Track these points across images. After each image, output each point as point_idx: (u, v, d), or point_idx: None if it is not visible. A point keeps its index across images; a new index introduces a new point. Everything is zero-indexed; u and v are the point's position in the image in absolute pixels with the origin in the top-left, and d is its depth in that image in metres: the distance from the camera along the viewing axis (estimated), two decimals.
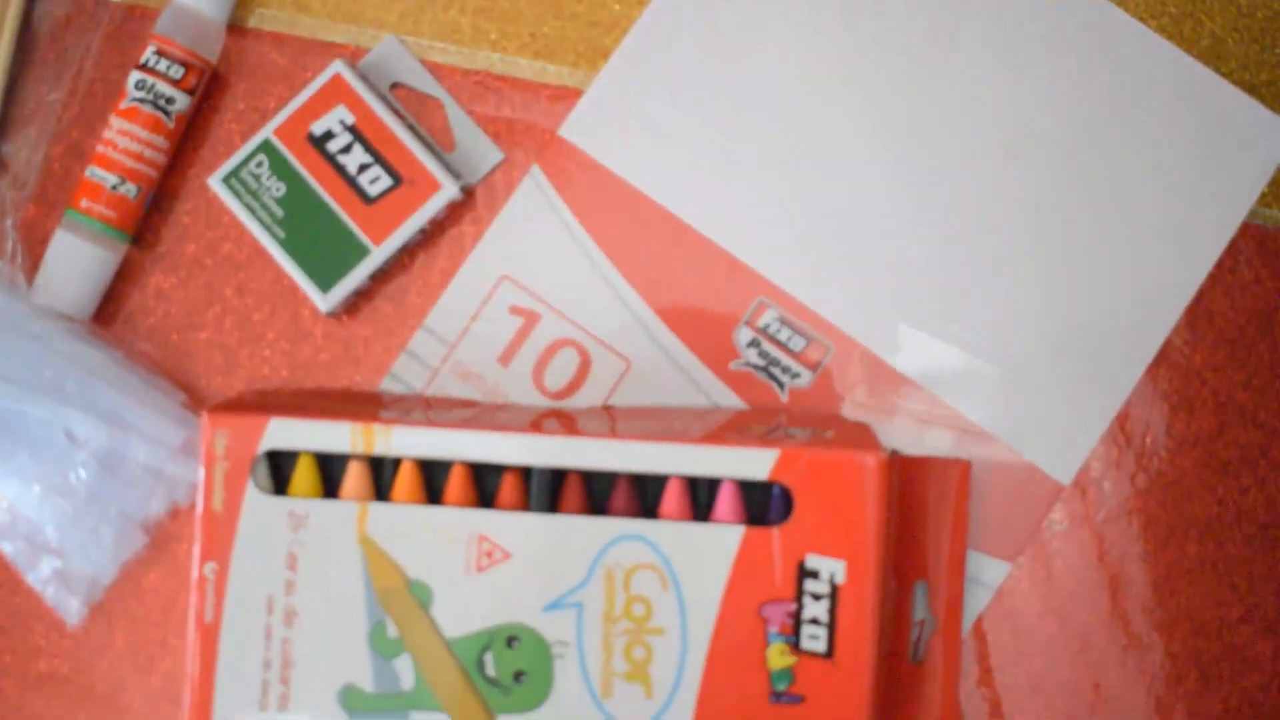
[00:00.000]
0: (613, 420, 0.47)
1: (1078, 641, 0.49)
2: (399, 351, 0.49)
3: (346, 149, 0.48)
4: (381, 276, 0.49)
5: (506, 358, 0.49)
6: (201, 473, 0.45)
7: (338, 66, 0.48)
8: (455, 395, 0.49)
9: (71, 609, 0.48)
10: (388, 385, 0.49)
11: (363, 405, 0.47)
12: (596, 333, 0.49)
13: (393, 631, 0.45)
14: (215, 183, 0.48)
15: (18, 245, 0.49)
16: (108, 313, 0.50)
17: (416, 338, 0.49)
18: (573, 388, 0.49)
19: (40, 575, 0.48)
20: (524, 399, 0.49)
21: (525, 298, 0.49)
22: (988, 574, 0.48)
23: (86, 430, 0.47)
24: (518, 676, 0.45)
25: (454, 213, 0.50)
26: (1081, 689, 0.48)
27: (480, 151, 0.50)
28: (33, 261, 0.50)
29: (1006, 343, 0.48)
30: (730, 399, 0.49)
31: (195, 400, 0.50)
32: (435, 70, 0.50)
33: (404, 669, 0.45)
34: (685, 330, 0.49)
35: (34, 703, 0.50)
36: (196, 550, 0.45)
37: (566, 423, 0.46)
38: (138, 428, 0.48)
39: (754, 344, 0.49)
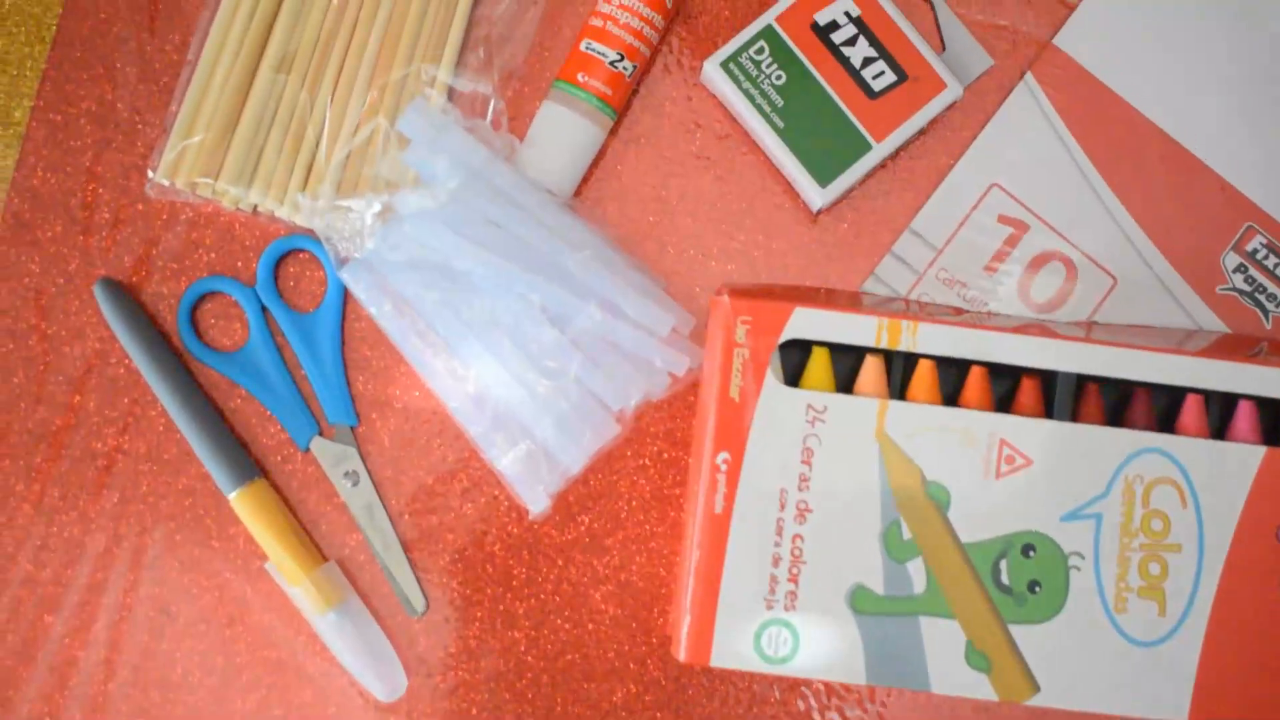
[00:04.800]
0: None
1: None
2: (882, 254, 0.48)
3: (851, 41, 0.46)
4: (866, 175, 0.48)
5: (992, 267, 0.48)
6: (718, 359, 0.43)
7: None
8: (939, 301, 0.48)
9: (537, 498, 0.46)
10: (870, 287, 0.48)
11: (844, 304, 0.46)
12: (1084, 247, 0.48)
13: (907, 533, 0.43)
14: (712, 66, 0.46)
15: (504, 116, 0.47)
16: (577, 193, 0.48)
17: (902, 240, 0.48)
18: (1058, 302, 0.48)
19: (508, 462, 0.46)
20: (1007, 310, 0.48)
21: (1014, 207, 0.48)
22: None
23: (580, 314, 0.45)
24: (1032, 586, 0.43)
25: (943, 116, 0.48)
26: None
27: (969, 56, 0.48)
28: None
29: None
30: (1213, 323, 0.48)
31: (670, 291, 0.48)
32: None
33: (916, 572, 0.43)
34: (1173, 251, 0.48)
35: (485, 588, 0.48)
36: (708, 439, 0.43)
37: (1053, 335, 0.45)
38: (626, 314, 0.46)
39: (1240, 269, 0.48)
